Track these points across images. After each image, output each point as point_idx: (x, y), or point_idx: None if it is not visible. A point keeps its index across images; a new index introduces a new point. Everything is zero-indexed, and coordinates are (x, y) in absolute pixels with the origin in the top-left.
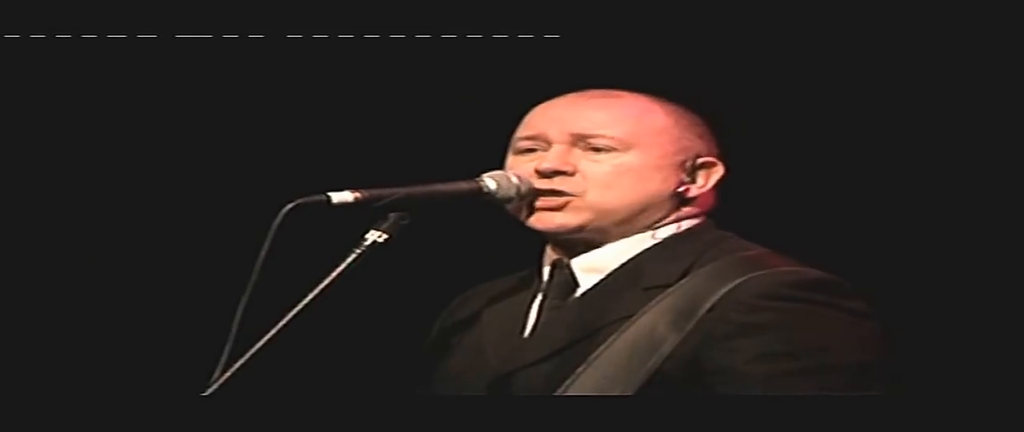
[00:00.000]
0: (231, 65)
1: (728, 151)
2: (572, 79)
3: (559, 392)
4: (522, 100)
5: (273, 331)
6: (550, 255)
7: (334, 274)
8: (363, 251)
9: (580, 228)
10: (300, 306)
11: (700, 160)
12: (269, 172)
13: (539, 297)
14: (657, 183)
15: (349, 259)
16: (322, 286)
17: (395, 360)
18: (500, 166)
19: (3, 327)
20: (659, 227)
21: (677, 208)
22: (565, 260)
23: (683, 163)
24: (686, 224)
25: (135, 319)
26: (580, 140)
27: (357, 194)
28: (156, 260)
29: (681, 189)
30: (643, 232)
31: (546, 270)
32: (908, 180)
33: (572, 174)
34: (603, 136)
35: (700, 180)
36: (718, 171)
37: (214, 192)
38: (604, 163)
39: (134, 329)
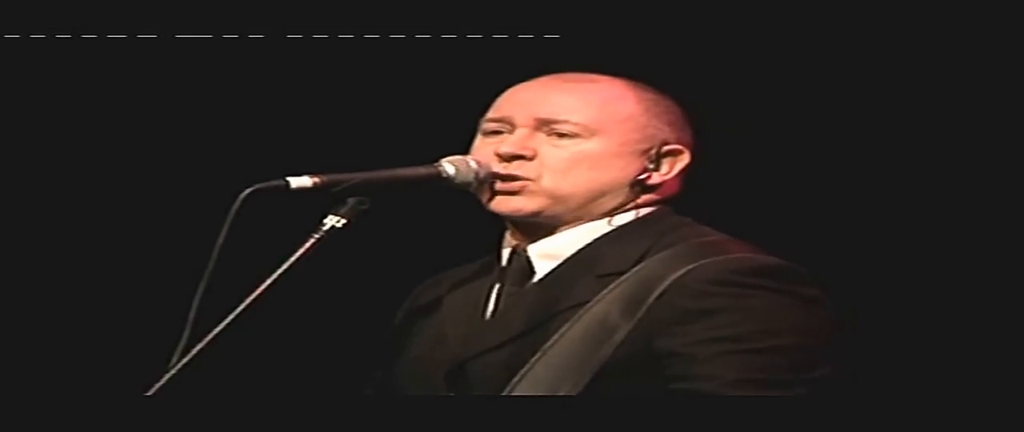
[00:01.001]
0: (231, 65)
1: (707, 141)
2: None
3: (515, 380)
4: None
5: (226, 321)
6: (509, 241)
7: (290, 260)
8: (321, 236)
9: (536, 213)
10: (255, 294)
11: (666, 147)
12: (271, 172)
13: (497, 283)
14: (616, 171)
15: (306, 244)
16: (278, 273)
17: (358, 345)
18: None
19: None
20: (617, 213)
21: (637, 195)
22: (522, 246)
23: (647, 150)
24: (645, 210)
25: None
26: (544, 125)
27: (316, 179)
28: (151, 258)
29: (643, 176)
30: (600, 218)
31: (504, 255)
32: (879, 175)
33: (531, 159)
34: (567, 122)
35: (664, 167)
36: (684, 159)
37: (219, 192)
38: (564, 149)
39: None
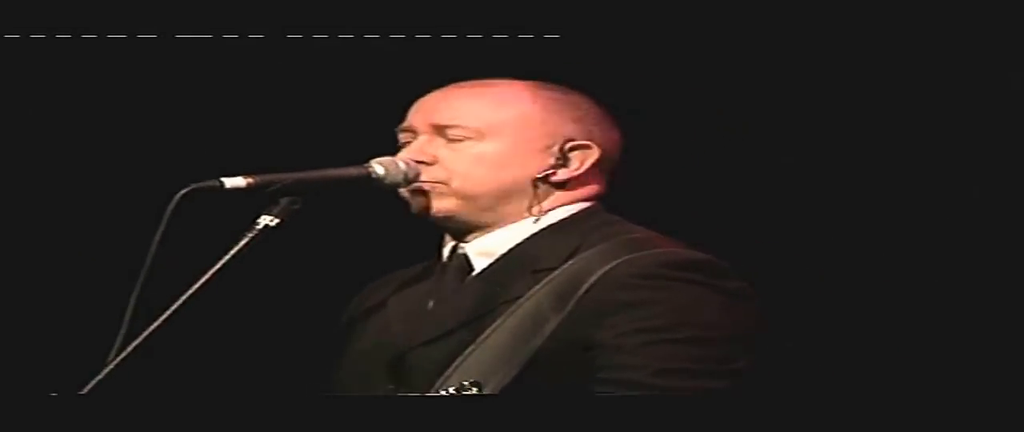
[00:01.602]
0: (231, 65)
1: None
2: (572, 79)
3: (448, 371)
4: None
5: (160, 319)
6: (448, 240)
7: (223, 259)
8: (254, 235)
9: (450, 214)
10: (189, 291)
11: (571, 144)
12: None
13: (438, 280)
14: (516, 169)
15: (240, 244)
16: (212, 271)
17: (298, 343)
18: None
19: None
20: (546, 211)
21: (553, 192)
22: (460, 245)
23: (549, 148)
24: (575, 208)
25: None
26: (439, 131)
27: (249, 179)
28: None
29: (548, 173)
30: (527, 216)
31: (445, 253)
32: (810, 175)
33: (431, 164)
34: (458, 127)
35: (573, 163)
36: (593, 154)
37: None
38: (462, 152)
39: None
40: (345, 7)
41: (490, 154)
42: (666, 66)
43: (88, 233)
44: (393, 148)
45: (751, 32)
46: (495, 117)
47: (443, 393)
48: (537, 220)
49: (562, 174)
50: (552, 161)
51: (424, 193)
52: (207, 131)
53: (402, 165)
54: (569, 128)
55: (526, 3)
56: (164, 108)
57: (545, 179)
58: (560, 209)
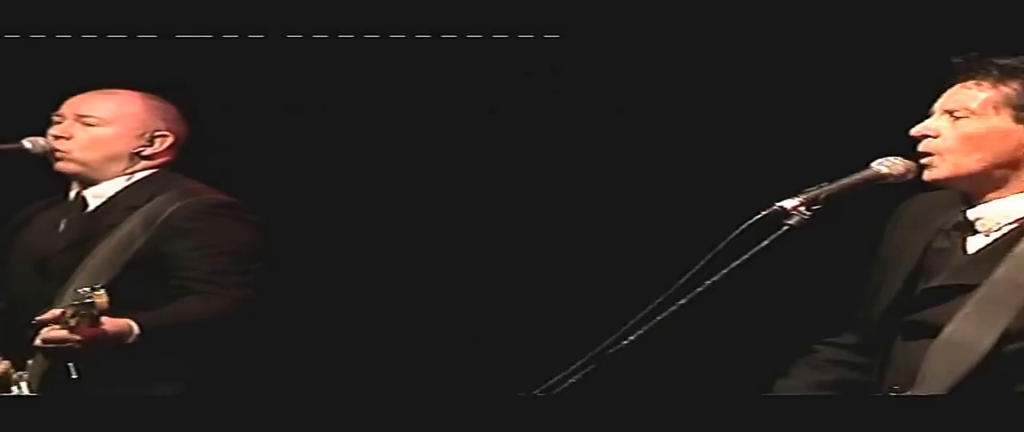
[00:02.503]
0: (231, 65)
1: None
2: (572, 79)
3: (74, 274)
4: (522, 99)
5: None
6: (74, 186)
7: (740, 258)
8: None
9: (76, 173)
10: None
11: (156, 133)
12: (278, 173)
13: (66, 212)
14: (120, 145)
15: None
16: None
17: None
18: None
19: None
20: (133, 173)
21: (140, 162)
22: (81, 190)
23: (142, 134)
24: (150, 171)
25: None
26: (79, 118)
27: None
28: None
29: (139, 149)
30: (122, 175)
31: (72, 195)
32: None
33: (69, 139)
34: (92, 115)
35: (156, 144)
36: (169, 140)
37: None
38: (87, 132)
39: None
40: (345, 7)
41: (106, 135)
42: (664, 66)
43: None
44: (395, 148)
45: (751, 32)
46: (115, 112)
47: (83, 291)
48: (129, 178)
49: (148, 151)
50: (144, 143)
51: (57, 158)
52: (206, 131)
53: (42, 142)
54: (157, 124)
55: (526, 3)
56: None
57: (137, 153)
58: (141, 171)
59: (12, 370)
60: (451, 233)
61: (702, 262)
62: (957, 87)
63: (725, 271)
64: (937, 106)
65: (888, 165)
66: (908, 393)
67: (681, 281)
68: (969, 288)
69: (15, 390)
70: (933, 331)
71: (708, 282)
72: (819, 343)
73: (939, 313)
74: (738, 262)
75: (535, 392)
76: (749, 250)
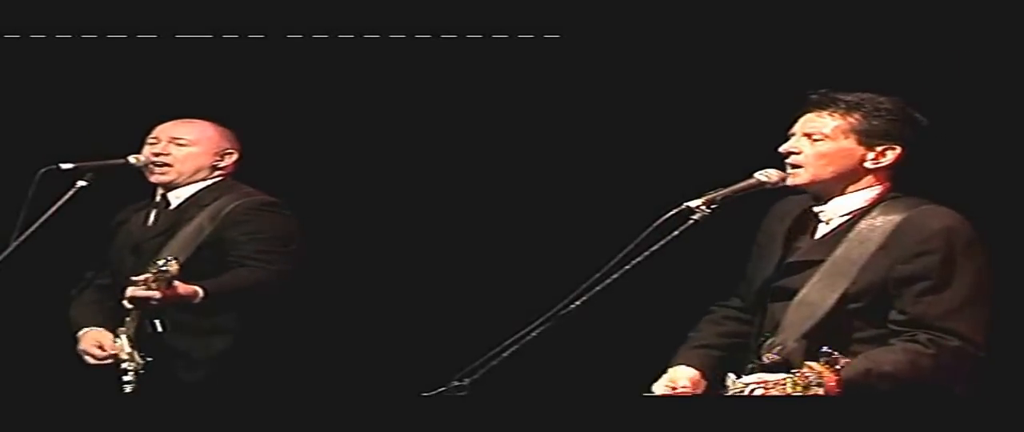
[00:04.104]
0: (231, 65)
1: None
2: (572, 79)
3: (161, 253)
4: (522, 99)
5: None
6: (160, 190)
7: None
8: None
9: (170, 182)
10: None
11: (226, 151)
12: (263, 170)
13: (154, 210)
14: (202, 160)
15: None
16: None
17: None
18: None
19: None
20: (206, 179)
21: (214, 172)
22: (165, 193)
23: (217, 152)
24: (218, 179)
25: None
26: (173, 141)
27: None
28: None
29: (214, 163)
30: (200, 182)
31: (158, 197)
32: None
33: (168, 155)
34: (182, 138)
35: (225, 160)
36: (234, 156)
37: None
38: (181, 150)
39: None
40: (345, 7)
41: (192, 152)
42: (664, 65)
43: None
44: (395, 148)
45: (750, 32)
46: (199, 135)
47: (161, 262)
48: (204, 184)
49: (220, 164)
50: (217, 159)
51: (157, 169)
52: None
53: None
54: (224, 144)
55: (526, 3)
56: (163, 108)
57: (214, 166)
58: (216, 177)
59: (116, 332)
60: (447, 231)
61: (631, 246)
62: (812, 115)
63: (646, 253)
64: (797, 129)
65: (767, 175)
66: (774, 339)
67: (607, 266)
68: (817, 263)
69: (118, 342)
70: (792, 294)
71: (633, 262)
72: (715, 305)
73: (796, 281)
74: (657, 246)
75: (455, 382)
76: (663, 239)
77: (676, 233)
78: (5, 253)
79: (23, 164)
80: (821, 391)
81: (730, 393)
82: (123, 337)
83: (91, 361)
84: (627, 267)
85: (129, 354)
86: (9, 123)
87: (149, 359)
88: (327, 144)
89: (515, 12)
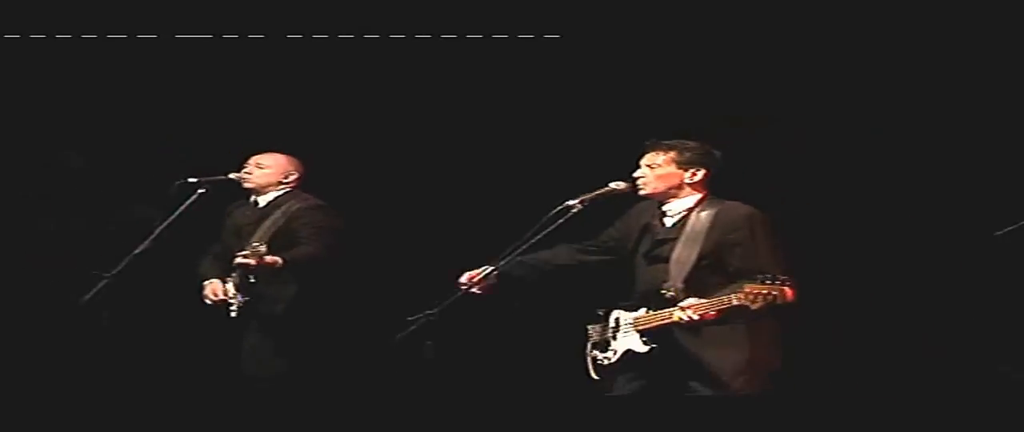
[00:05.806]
0: (231, 65)
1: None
2: (572, 79)
3: (254, 238)
4: (522, 100)
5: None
6: (253, 195)
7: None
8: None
9: (255, 187)
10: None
11: (290, 172)
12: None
13: (248, 207)
14: (274, 177)
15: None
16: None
17: None
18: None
19: None
20: (280, 188)
21: (284, 185)
22: (255, 197)
23: (286, 172)
24: (288, 189)
25: None
26: (257, 165)
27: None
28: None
29: (284, 178)
30: (277, 190)
31: (251, 199)
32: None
33: (250, 174)
34: (263, 162)
35: (291, 177)
36: (296, 176)
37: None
38: (261, 171)
39: None
40: (345, 7)
41: (273, 171)
42: (663, 65)
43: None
44: (396, 148)
45: (750, 32)
46: (276, 164)
47: (255, 244)
48: (279, 192)
49: (292, 178)
50: (293, 173)
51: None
52: (206, 131)
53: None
54: (298, 166)
55: (526, 3)
56: (163, 108)
57: (289, 181)
58: (286, 189)
59: (225, 282)
60: (447, 229)
61: (529, 234)
62: (651, 153)
63: (536, 239)
64: (643, 162)
65: (619, 184)
66: (668, 284)
67: (505, 252)
68: (674, 239)
69: (227, 286)
70: (667, 258)
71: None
72: (579, 242)
73: (665, 250)
74: (544, 233)
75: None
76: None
77: (560, 222)
78: (149, 239)
79: (22, 164)
80: (782, 302)
81: (623, 328)
82: (230, 284)
83: (209, 300)
84: (522, 248)
85: (234, 295)
86: (9, 123)
87: (247, 298)
88: (327, 144)
89: (515, 12)
